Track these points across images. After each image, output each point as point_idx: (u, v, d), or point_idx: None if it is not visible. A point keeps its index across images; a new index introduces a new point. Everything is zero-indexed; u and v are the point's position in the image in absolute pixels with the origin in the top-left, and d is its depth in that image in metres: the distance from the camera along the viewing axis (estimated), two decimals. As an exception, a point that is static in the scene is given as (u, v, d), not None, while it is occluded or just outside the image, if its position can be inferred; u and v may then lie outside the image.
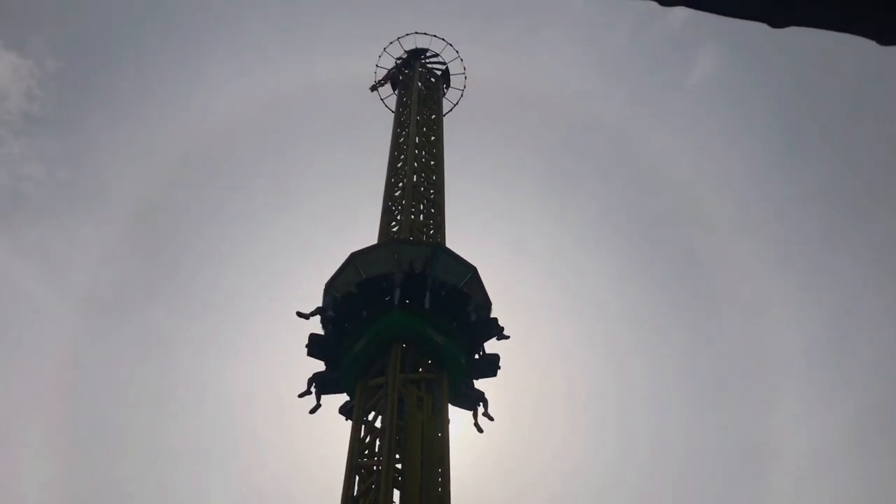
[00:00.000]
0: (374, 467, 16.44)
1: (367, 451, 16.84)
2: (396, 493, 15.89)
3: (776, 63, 45.75)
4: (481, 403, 19.04)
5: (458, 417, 18.37)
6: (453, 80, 35.60)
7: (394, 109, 33.00)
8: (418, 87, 32.96)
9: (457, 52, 35.76)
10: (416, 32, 35.90)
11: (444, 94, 34.88)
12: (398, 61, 35.56)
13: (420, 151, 28.14)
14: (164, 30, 55.34)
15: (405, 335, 18.07)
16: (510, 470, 47.12)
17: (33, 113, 51.09)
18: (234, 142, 54.95)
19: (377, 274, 18.76)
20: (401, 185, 25.90)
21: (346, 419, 17.96)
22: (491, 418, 18.75)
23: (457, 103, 35.15)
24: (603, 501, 48.15)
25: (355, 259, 19.38)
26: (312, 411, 18.56)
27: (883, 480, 43.51)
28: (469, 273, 19.40)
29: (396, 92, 34.39)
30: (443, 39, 35.74)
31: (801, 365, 48.73)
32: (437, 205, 25.14)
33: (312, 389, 18.76)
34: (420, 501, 15.60)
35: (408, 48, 35.86)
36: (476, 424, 18.64)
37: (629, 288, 54.41)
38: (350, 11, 52.29)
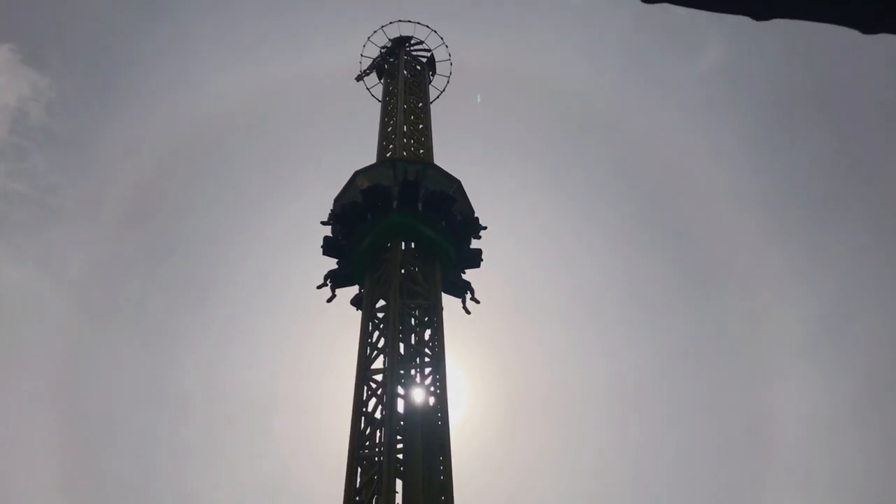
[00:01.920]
0: (376, 458, 16.51)
1: (367, 443, 16.92)
2: (399, 483, 15.93)
3: (777, 43, 45.62)
4: (468, 291, 22.86)
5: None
6: (439, 67, 35.45)
7: (380, 99, 32.78)
8: (404, 75, 32.95)
9: (441, 38, 36.33)
10: (400, 20, 36.00)
11: (431, 81, 34.91)
12: (383, 50, 35.75)
13: (408, 140, 28.16)
14: (158, 28, 55.64)
15: (403, 232, 21.90)
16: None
17: (53, 127, 51.82)
18: (222, 133, 55.20)
19: (378, 183, 22.62)
20: (390, 174, 25.85)
21: (357, 309, 21.76)
22: (477, 301, 22.81)
23: (443, 90, 35.39)
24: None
25: (358, 175, 23.34)
26: (329, 300, 22.49)
27: (886, 453, 43.87)
28: (455, 185, 23.45)
29: (382, 81, 34.26)
30: (426, 26, 36.16)
31: (802, 338, 49.11)
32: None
33: (328, 283, 22.59)
34: (423, 490, 15.68)
35: (392, 36, 35.76)
36: (464, 307, 22.70)
37: (625, 264, 54.60)
38: (334, 1, 51.89)
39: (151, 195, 51.65)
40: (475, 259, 23.18)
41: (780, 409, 45.08)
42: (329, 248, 22.80)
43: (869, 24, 3.13)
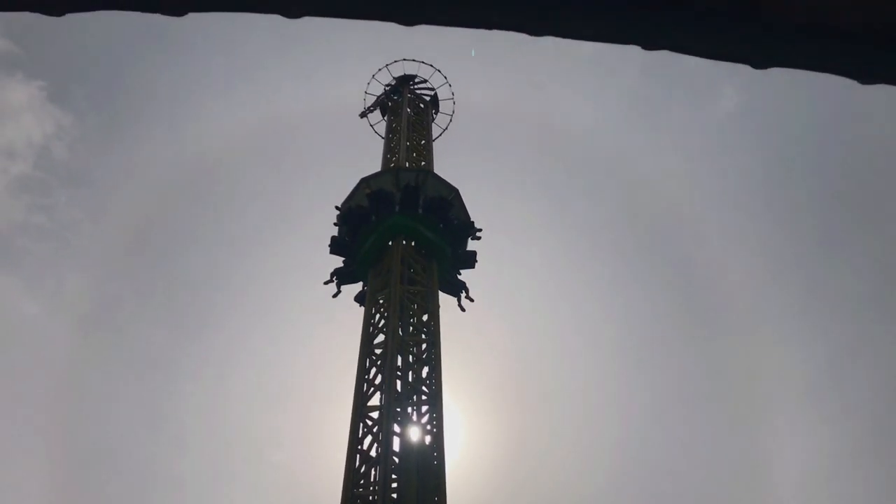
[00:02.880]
0: (370, 497, 16.27)
1: (362, 482, 16.68)
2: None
3: (785, 91, 46.12)
4: (463, 290, 24.08)
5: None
6: (442, 106, 35.75)
7: (383, 135, 33.01)
8: (407, 113, 33.11)
9: (445, 77, 36.45)
10: (405, 59, 36.39)
11: (434, 119, 35.03)
12: (387, 88, 35.99)
13: (410, 177, 28.18)
14: (172, 67, 56.80)
15: (404, 232, 23.41)
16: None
17: (75, 164, 52.95)
18: (228, 168, 55.61)
19: (382, 188, 24.30)
20: (392, 211, 26.01)
21: (360, 305, 23.00)
22: (471, 300, 24.08)
23: (446, 128, 35.62)
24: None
25: (364, 182, 24.86)
26: (334, 296, 24.02)
27: (887, 501, 43.21)
28: (453, 193, 24.96)
29: (386, 118, 34.51)
30: (430, 65, 36.29)
31: (802, 381, 48.77)
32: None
33: (334, 279, 24.03)
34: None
35: (396, 75, 36.17)
36: (459, 305, 24.01)
37: (623, 301, 54.54)
38: (340, 39, 52.76)
39: (158, 228, 52.13)
40: (470, 260, 24.82)
41: (778, 452, 44.63)
42: (336, 246, 24.51)
43: (866, 75, 3.15)
